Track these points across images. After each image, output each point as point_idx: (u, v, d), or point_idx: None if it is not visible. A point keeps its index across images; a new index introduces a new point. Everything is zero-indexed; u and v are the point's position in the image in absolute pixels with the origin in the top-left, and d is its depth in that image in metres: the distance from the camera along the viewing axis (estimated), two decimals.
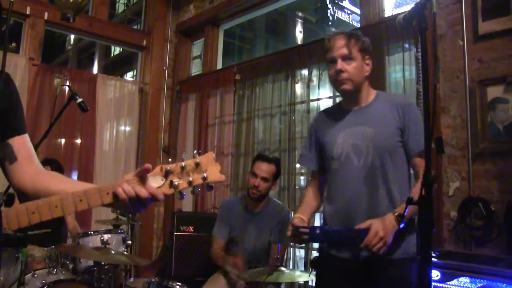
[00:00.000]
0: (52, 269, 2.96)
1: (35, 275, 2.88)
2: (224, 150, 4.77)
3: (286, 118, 4.19)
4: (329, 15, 4.19)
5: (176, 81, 5.72)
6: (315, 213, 2.42)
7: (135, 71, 6.33)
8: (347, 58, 2.06)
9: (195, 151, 1.28)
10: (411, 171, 2.14)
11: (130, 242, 3.44)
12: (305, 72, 4.14)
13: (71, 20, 4.37)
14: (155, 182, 1.24)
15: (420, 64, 2.89)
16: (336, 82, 2.13)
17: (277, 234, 3.23)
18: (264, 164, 3.26)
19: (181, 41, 5.84)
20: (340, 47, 2.07)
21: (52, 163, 3.84)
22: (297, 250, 3.91)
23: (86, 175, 4.86)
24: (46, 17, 4.72)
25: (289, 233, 2.07)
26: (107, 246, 3.03)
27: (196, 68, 5.82)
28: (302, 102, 4.12)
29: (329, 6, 4.20)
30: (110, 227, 3.58)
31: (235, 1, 4.99)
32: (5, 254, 2.73)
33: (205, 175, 1.25)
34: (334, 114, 2.28)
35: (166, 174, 1.24)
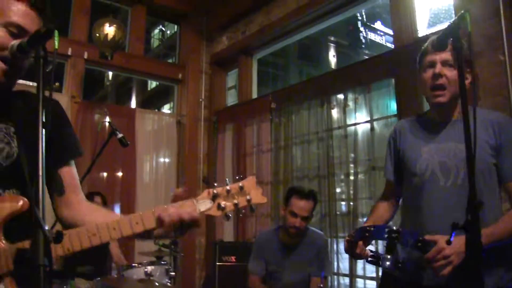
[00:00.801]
0: None
1: None
2: (263, 178, 4.75)
3: (324, 144, 4.16)
4: (361, 38, 4.18)
5: (213, 112, 5.80)
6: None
7: (171, 103, 6.46)
8: (448, 64, 1.88)
9: (237, 177, 1.39)
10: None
11: (173, 273, 3.45)
12: (340, 96, 4.12)
13: (109, 58, 4.58)
14: (204, 205, 1.34)
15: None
16: (430, 92, 1.91)
17: (317, 265, 3.15)
18: (302, 201, 3.08)
19: (215, 72, 5.94)
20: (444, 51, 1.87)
21: (99, 195, 4.01)
22: (341, 278, 3.81)
23: (128, 207, 4.95)
24: (85, 56, 4.93)
25: (346, 239, 1.90)
26: (151, 278, 3.05)
27: (231, 98, 5.90)
28: (339, 128, 4.09)
29: (361, 29, 4.21)
30: (153, 258, 3.61)
31: (267, 30, 5.07)
32: (53, 286, 2.80)
33: (249, 197, 1.37)
34: (420, 125, 2.07)
35: (214, 197, 1.35)
